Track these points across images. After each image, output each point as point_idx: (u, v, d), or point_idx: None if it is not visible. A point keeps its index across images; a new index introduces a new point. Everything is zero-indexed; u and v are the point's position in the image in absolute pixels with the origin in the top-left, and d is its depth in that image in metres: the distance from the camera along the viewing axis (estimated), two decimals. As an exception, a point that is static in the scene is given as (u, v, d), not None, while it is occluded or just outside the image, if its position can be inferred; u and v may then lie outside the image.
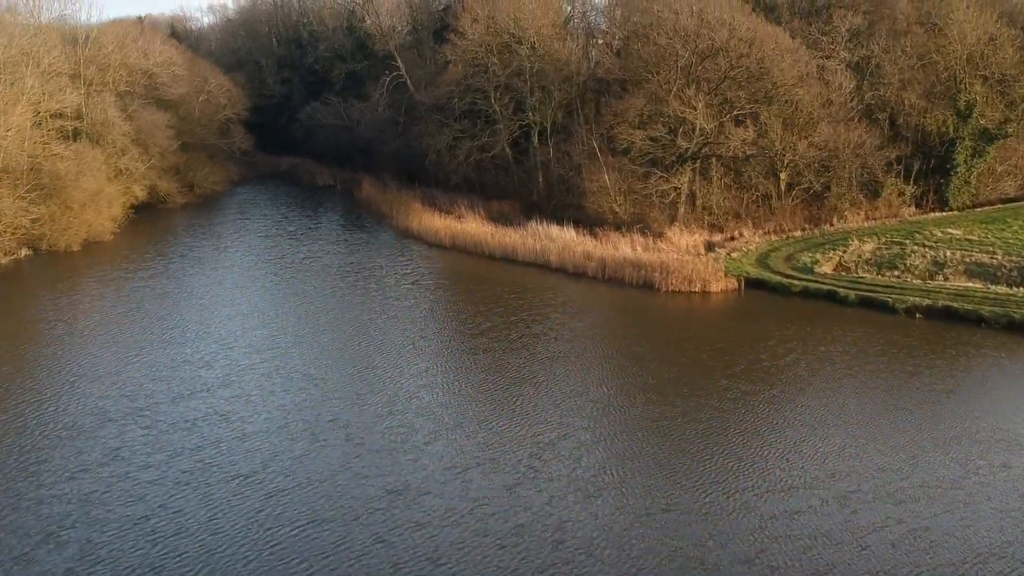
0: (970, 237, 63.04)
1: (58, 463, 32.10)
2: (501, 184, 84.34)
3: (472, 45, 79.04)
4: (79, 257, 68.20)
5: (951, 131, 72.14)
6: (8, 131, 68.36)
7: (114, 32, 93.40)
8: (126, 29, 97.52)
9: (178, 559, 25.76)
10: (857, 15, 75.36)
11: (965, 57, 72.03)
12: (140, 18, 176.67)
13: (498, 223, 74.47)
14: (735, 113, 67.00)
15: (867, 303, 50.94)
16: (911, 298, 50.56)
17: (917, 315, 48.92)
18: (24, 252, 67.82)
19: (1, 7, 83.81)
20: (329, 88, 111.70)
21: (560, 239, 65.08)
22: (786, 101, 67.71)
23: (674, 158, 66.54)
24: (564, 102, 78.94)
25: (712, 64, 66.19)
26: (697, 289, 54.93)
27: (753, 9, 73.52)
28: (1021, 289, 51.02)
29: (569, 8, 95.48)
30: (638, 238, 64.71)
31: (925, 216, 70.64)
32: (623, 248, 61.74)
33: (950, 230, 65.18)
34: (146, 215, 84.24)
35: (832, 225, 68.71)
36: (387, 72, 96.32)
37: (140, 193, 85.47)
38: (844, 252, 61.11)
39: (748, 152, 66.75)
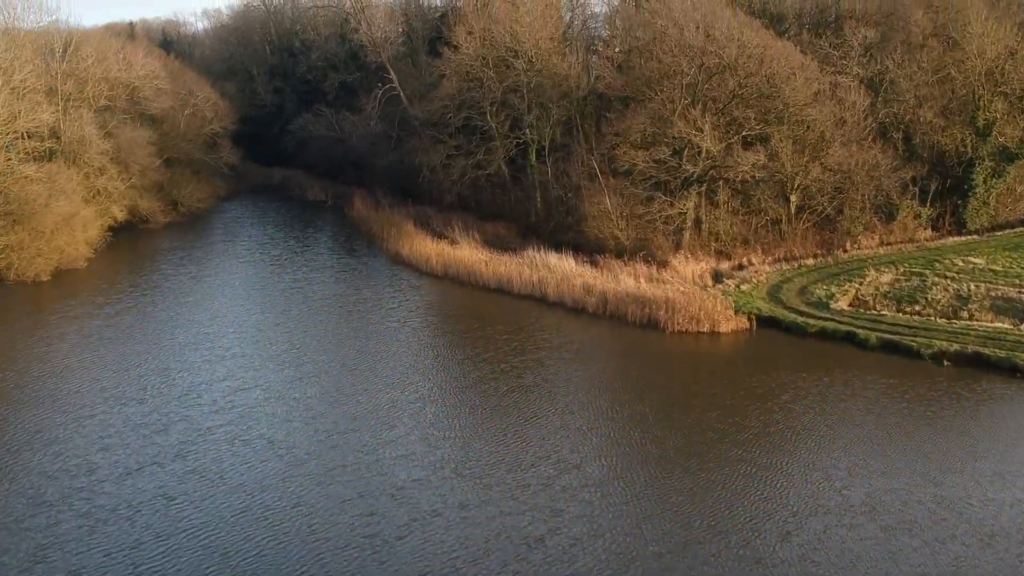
0: (994, 267, 59.33)
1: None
2: (498, 203, 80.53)
3: (467, 59, 75.12)
4: (47, 288, 64.16)
5: (969, 150, 68.51)
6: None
7: (95, 44, 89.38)
8: (108, 41, 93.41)
9: None
10: (870, 27, 71.35)
11: (984, 72, 68.19)
12: (132, 24, 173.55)
13: (494, 247, 70.72)
14: (744, 134, 62.98)
15: (889, 347, 46.93)
16: (937, 341, 46.55)
17: (945, 362, 44.88)
18: (-12, 284, 63.96)
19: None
20: (322, 98, 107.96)
21: (558, 269, 61.07)
22: (797, 121, 63.62)
23: (679, 182, 62.55)
24: (563, 119, 74.98)
25: (719, 82, 62.18)
26: (705, 329, 50.81)
27: (758, 19, 69.58)
28: (1056, 332, 47.10)
29: (569, 14, 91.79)
30: (641, 267, 60.85)
31: (943, 241, 66.88)
32: (625, 280, 57.70)
33: (972, 259, 61.37)
34: (126, 237, 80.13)
35: (845, 251, 64.81)
36: (380, 84, 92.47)
37: (119, 214, 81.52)
38: (860, 284, 57.17)
39: (758, 176, 62.72)
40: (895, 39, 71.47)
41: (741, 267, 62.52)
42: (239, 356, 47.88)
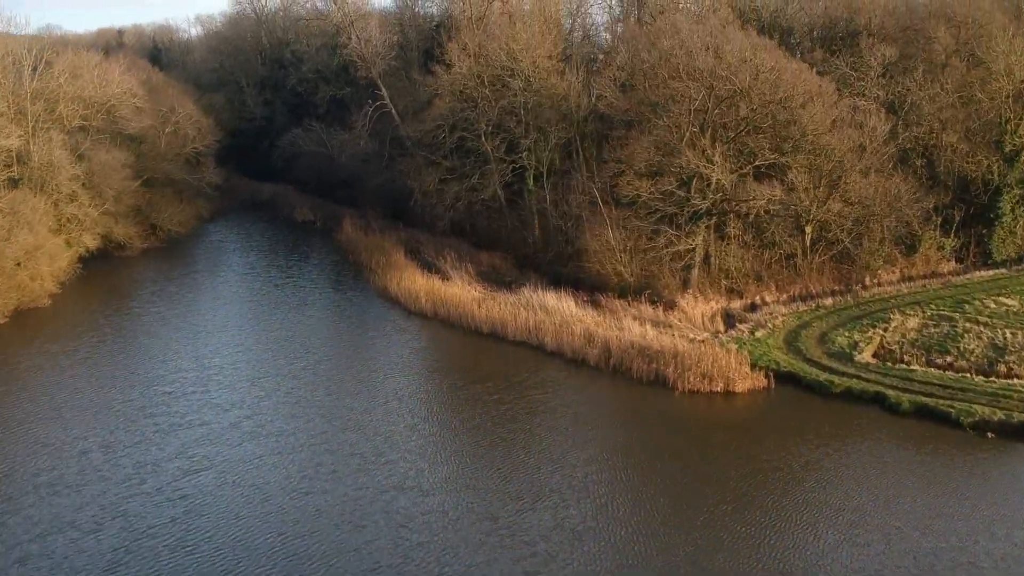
0: (1028, 310, 54.43)
1: None
2: (493, 229, 75.70)
3: (460, 78, 70.23)
4: (3, 331, 59.21)
5: (996, 177, 63.87)
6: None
7: (69, 60, 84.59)
8: (84, 57, 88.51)
9: None
10: (887, 44, 66.33)
11: (1012, 94, 63.28)
12: (120, 31, 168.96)
13: (488, 280, 66.09)
14: (757, 163, 58.03)
15: (924, 411, 42.01)
16: (977, 407, 41.61)
17: (988, 433, 39.97)
18: (-58, 327, 59.14)
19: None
20: (312, 112, 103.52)
21: (557, 312, 56.12)
22: (813, 151, 58.62)
23: (687, 215, 57.63)
24: (562, 142, 70.02)
25: (730, 106, 57.23)
26: (719, 389, 45.77)
27: (768, 34, 64.68)
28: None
29: (570, 22, 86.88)
30: (646, 308, 56.22)
31: (970, 276, 62.07)
32: (629, 325, 52.77)
33: (1004, 299, 56.59)
34: (98, 267, 74.95)
35: (865, 287, 59.91)
36: (371, 101, 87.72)
37: (91, 242, 76.65)
38: (885, 331, 52.28)
39: (772, 209, 57.80)
40: (916, 59, 66.61)
41: (754, 306, 57.61)
42: (197, 426, 42.65)
